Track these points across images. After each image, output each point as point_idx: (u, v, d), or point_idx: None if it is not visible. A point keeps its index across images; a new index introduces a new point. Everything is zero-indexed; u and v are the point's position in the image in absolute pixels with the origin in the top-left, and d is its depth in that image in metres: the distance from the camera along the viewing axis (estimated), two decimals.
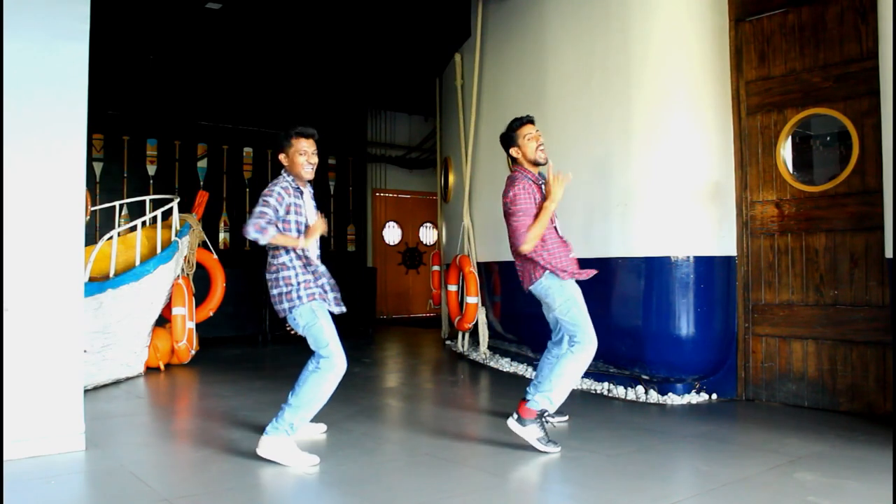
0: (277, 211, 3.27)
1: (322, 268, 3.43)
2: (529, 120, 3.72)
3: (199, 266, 6.77)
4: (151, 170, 9.40)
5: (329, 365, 3.30)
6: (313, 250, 3.40)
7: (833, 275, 4.37)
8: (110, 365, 5.32)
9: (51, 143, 3.35)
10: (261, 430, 3.36)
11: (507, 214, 3.59)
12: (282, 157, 3.43)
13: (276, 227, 3.25)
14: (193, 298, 6.48)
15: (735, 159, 4.82)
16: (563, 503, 2.71)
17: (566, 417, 4.02)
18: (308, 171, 3.40)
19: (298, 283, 3.33)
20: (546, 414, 3.47)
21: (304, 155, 3.38)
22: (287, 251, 3.34)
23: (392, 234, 12.42)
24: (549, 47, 5.83)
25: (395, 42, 8.94)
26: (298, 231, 3.34)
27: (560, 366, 3.52)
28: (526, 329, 6.10)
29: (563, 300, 3.57)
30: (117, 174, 9.16)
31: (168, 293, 6.13)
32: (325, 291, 3.39)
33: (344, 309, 3.44)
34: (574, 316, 3.56)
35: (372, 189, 11.91)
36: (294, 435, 3.31)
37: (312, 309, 3.32)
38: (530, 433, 3.41)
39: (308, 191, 3.50)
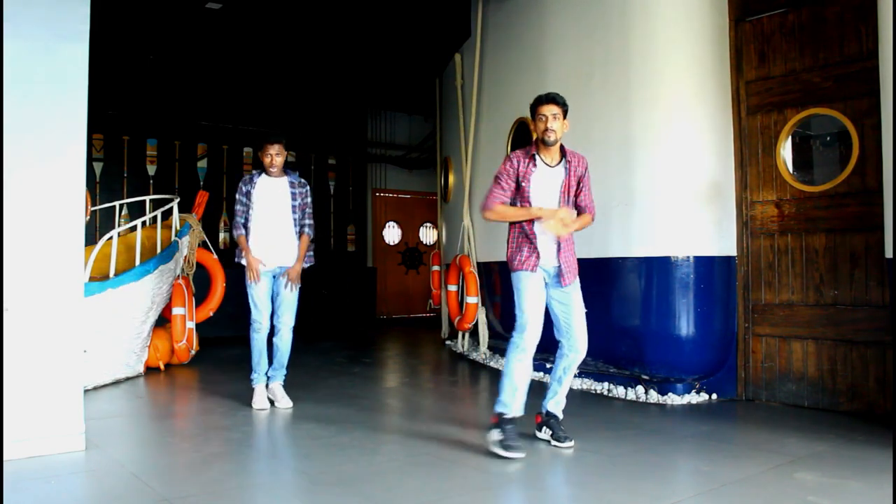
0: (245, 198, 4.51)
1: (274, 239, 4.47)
2: (548, 99, 3.52)
3: (199, 266, 6.77)
4: (151, 170, 9.40)
5: None
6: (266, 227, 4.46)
7: (833, 275, 4.37)
8: (110, 365, 5.32)
9: (51, 143, 3.35)
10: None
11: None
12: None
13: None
14: (193, 298, 6.48)
15: (735, 159, 4.82)
16: (563, 503, 2.71)
17: (571, 443, 3.50)
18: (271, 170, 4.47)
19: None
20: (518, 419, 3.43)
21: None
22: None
23: (392, 234, 12.42)
24: (549, 47, 5.83)
25: (395, 42, 8.94)
26: (246, 216, 4.47)
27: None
28: None
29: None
30: (117, 174, 9.16)
31: (168, 293, 6.13)
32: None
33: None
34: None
35: (372, 189, 11.91)
36: (256, 382, 4.65)
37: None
38: (489, 438, 3.37)
39: (278, 181, 4.46)
